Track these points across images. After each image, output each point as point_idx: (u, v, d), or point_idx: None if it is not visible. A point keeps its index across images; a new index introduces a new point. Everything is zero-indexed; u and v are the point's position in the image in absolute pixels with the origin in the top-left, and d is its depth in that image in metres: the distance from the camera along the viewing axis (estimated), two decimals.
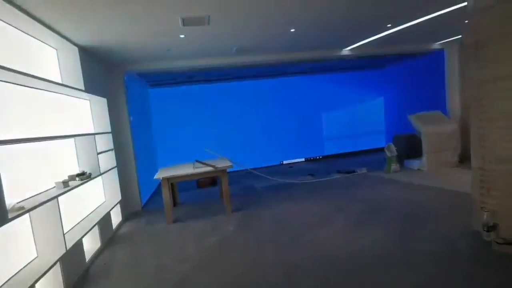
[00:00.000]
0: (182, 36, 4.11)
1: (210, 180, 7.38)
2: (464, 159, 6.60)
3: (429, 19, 4.51)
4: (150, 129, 8.04)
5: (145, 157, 6.88)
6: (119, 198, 5.11)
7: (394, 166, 6.55)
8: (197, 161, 5.60)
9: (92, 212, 4.36)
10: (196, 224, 4.62)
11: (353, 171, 7.03)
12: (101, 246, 3.98)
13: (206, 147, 5.77)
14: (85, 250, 3.63)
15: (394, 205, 4.47)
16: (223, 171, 4.83)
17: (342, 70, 9.35)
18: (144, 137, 7.05)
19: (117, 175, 5.12)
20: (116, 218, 5.04)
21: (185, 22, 3.44)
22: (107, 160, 5.07)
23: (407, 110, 7.78)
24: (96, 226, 3.95)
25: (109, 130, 5.04)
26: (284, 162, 9.34)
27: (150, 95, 8.24)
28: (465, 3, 3.60)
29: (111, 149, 5.05)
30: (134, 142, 5.81)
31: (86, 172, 3.94)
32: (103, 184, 5.07)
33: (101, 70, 5.03)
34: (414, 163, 6.67)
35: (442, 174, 6.00)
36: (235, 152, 8.81)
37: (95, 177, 4.12)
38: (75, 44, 4.06)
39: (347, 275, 2.75)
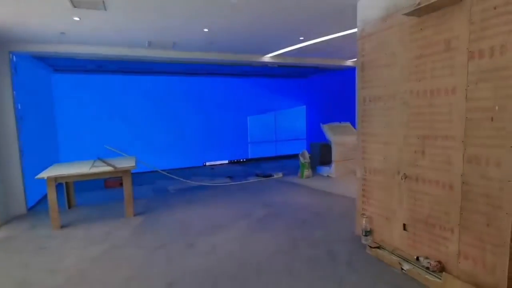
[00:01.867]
0: (76, 18, 3.66)
1: (120, 180, 6.81)
2: None
3: (335, 37, 4.85)
4: (51, 120, 7.06)
5: (40, 152, 6.01)
6: None
7: (307, 172, 6.91)
8: (99, 159, 5.10)
9: None
10: (88, 229, 4.15)
11: (270, 175, 7.21)
12: None
13: (106, 144, 5.28)
14: None
15: (296, 210, 4.67)
16: (126, 171, 4.45)
17: (269, 75, 9.59)
18: (39, 129, 6.15)
19: None
20: None
21: (75, 2, 3.05)
22: None
23: (325, 119, 8.33)
24: None
25: None
26: (207, 163, 9.17)
27: (54, 81, 7.27)
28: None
29: None
30: (21, 134, 5.01)
31: None
32: None
33: None
34: (325, 170, 7.14)
35: (346, 181, 6.52)
36: (154, 150, 8.36)
37: None
38: None
39: (229, 283, 2.72)
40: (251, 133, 9.78)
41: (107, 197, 5.86)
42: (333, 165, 6.91)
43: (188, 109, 8.79)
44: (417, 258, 2.72)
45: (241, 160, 9.64)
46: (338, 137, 6.94)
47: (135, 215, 4.65)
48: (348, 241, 3.49)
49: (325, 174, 7.07)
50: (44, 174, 4.09)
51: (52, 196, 4.10)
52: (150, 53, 5.46)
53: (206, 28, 4.23)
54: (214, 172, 8.26)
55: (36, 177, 4.07)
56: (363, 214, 3.43)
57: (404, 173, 2.85)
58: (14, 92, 4.90)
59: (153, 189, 6.37)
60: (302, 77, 10.15)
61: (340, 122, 7.46)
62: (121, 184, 6.85)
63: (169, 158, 8.56)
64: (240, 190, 6.01)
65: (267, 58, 6.46)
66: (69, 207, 5.16)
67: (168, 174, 5.85)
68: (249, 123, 9.74)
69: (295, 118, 10.43)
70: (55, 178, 4.11)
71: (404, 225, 2.91)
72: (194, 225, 4.20)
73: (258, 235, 3.78)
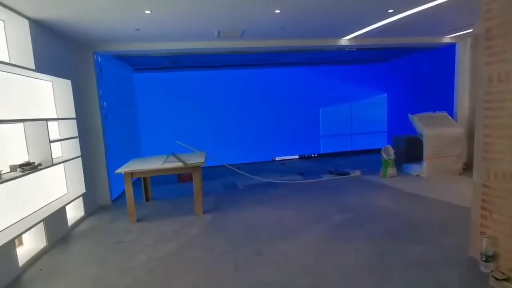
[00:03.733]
0: (148, 12, 3.58)
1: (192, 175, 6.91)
2: (469, 167, 6.00)
3: (437, 5, 3.88)
4: (134, 117, 7.56)
5: (124, 146, 6.43)
6: (83, 190, 4.69)
7: (391, 170, 5.98)
8: (172, 154, 5.15)
9: (44, 206, 3.92)
10: (160, 225, 4.16)
11: (346, 173, 6.48)
12: (46, 246, 3.55)
13: (178, 140, 5.27)
14: (23, 251, 3.23)
15: (382, 217, 3.94)
16: (195, 168, 4.34)
17: (343, 62, 8.69)
18: (123, 125, 6.58)
19: (81, 165, 4.69)
20: (77, 212, 4.64)
21: None
22: (71, 148, 4.65)
23: (411, 109, 7.16)
24: (42, 223, 3.52)
25: (73, 115, 4.59)
26: (277, 158, 8.82)
27: (135, 80, 7.75)
28: None
29: (75, 137, 4.60)
30: (107, 129, 5.35)
31: (33, 163, 3.49)
32: (65, 174, 4.66)
33: (65, 49, 4.53)
34: (413, 168, 6.09)
35: (442, 183, 5.42)
36: (224, 145, 8.35)
37: (45, 168, 3.67)
38: (25, 17, 3.56)
39: None
40: (323, 126, 9.06)
41: (180, 191, 5.94)
42: (424, 162, 5.83)
43: (257, 102, 8.53)
44: None
45: (313, 155, 9.02)
46: (433, 129, 5.81)
47: (204, 212, 4.53)
48: (459, 266, 2.69)
49: (414, 174, 6.02)
50: (122, 169, 4.22)
51: (129, 190, 4.22)
52: (220, 45, 5.27)
53: (278, 9, 3.77)
54: (284, 168, 7.85)
55: (116, 171, 4.22)
56: (483, 232, 2.59)
57: None
58: (100, 91, 5.23)
59: (224, 185, 6.27)
60: (382, 62, 8.95)
61: (434, 112, 6.27)
62: (191, 178, 7.01)
63: (238, 152, 8.47)
64: (312, 189, 5.47)
65: (345, 41, 5.71)
66: (147, 200, 5.35)
67: (238, 171, 5.68)
68: (322, 116, 9.03)
69: (374, 108, 9.31)
70: (131, 173, 4.20)
71: None
72: (263, 228, 3.84)
73: (337, 245, 3.23)
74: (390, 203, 4.48)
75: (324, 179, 6.24)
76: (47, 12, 3.50)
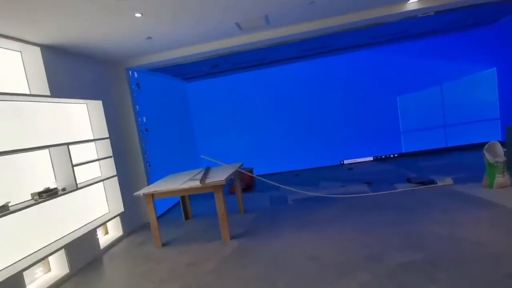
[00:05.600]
0: (138, 15, 3.13)
1: (244, 185, 6.36)
2: None
3: None
4: (188, 128, 7.45)
5: (174, 160, 6.27)
6: (121, 209, 4.63)
7: (501, 178, 4.16)
8: (206, 168, 4.68)
9: (71, 232, 3.89)
10: (181, 252, 3.71)
11: (431, 182, 4.87)
12: (69, 272, 3.46)
13: (202, 154, 4.75)
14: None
15: (471, 265, 2.54)
16: (216, 187, 3.71)
17: (423, 35, 6.74)
18: (173, 138, 6.45)
19: (117, 184, 4.63)
20: (116, 232, 4.59)
21: None
22: (107, 168, 4.63)
23: None
24: (63, 250, 3.45)
25: (106, 135, 4.55)
26: (345, 162, 7.52)
27: (189, 90, 7.65)
28: None
29: (109, 156, 4.56)
30: (147, 146, 5.24)
31: (53, 189, 3.45)
32: (105, 194, 4.68)
33: (92, 70, 4.52)
34: None
35: None
36: (287, 149, 7.56)
37: (68, 192, 3.61)
38: (36, 44, 3.55)
39: None
40: (404, 119, 7.30)
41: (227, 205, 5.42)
42: None
43: (320, 98, 7.43)
44: None
45: (391, 155, 7.38)
46: None
47: (233, 237, 3.87)
48: None
49: None
50: (142, 191, 3.92)
51: (151, 213, 3.89)
52: (246, 39, 4.52)
53: None
54: (351, 173, 6.57)
55: (135, 194, 3.95)
56: None
57: None
58: (137, 106, 5.15)
59: (272, 198, 5.50)
60: (484, 25, 6.63)
61: None
62: (244, 189, 6.45)
63: (303, 156, 7.55)
64: (377, 207, 4.20)
65: (413, 4, 4.21)
66: (186, 218, 5.01)
67: (272, 183, 4.74)
68: (400, 106, 7.29)
69: (478, 88, 7.02)
70: (152, 195, 3.86)
71: None
72: (291, 268, 2.94)
73: None
74: (493, 237, 2.93)
75: (399, 190, 4.81)
76: (54, 37, 3.43)
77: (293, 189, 4.92)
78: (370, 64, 7.20)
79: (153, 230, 3.94)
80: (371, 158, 7.43)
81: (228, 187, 6.36)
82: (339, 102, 7.37)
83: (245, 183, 6.37)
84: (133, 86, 5.17)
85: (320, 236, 3.56)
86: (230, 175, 3.95)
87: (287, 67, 7.32)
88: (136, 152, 5.10)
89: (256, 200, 5.52)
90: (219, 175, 3.96)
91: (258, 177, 5.13)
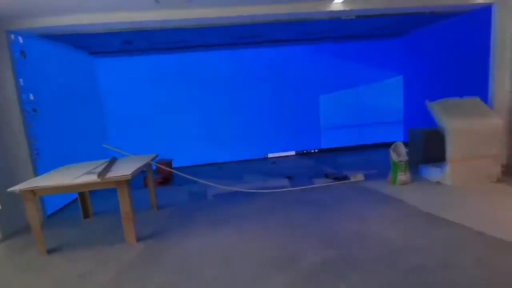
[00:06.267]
0: None
1: (162, 178, 5.81)
2: (509, 171, 4.53)
3: None
4: (92, 112, 6.35)
5: (72, 149, 5.23)
6: None
7: (403, 175, 4.57)
8: (112, 159, 4.02)
9: None
10: (71, 260, 3.07)
11: (345, 178, 5.13)
12: None
13: (105, 143, 4.13)
14: None
15: (379, 260, 2.62)
16: (120, 182, 3.16)
17: (344, 38, 7.11)
18: (71, 122, 5.36)
19: None
20: None
21: None
22: None
23: (433, 94, 5.65)
24: None
25: None
26: (270, 155, 7.54)
27: (98, 67, 6.62)
28: None
29: None
30: (34, 129, 4.27)
31: None
32: None
33: None
34: (433, 172, 4.65)
35: (473, 195, 3.98)
36: (211, 141, 7.18)
37: None
38: None
39: None
40: (325, 117, 7.64)
41: (137, 201, 4.82)
42: (448, 165, 4.39)
43: (243, 89, 7.22)
44: None
45: (312, 151, 7.67)
46: (459, 121, 4.34)
47: (140, 239, 3.39)
48: None
49: (434, 179, 4.60)
50: (19, 186, 3.12)
51: (31, 212, 3.12)
52: (162, 15, 3.98)
53: None
54: (274, 168, 6.58)
55: (8, 190, 3.12)
56: None
57: None
58: (21, 80, 4.14)
59: (190, 193, 5.10)
60: (396, 36, 7.31)
61: (462, 98, 4.75)
62: (162, 183, 5.91)
63: (226, 149, 7.28)
64: (296, 204, 4.19)
65: (338, 4, 4.27)
66: (85, 216, 4.27)
67: (192, 178, 4.36)
68: (322, 104, 7.60)
69: (388, 93, 7.74)
70: (33, 191, 3.09)
71: None
72: (202, 273, 2.65)
73: None
74: (396, 233, 3.12)
75: (316, 185, 4.93)
76: None
77: (212, 184, 4.60)
78: (296, 60, 7.29)
79: (34, 233, 3.18)
80: (293, 153, 7.60)
81: (142, 180, 5.72)
82: (266, 96, 7.30)
83: (162, 175, 5.82)
84: (16, 54, 4.13)
85: (237, 235, 3.35)
86: (139, 168, 3.43)
87: (212, 54, 6.91)
88: (16, 137, 4.09)
89: (173, 194, 5.06)
90: (125, 168, 3.41)
91: (174, 171, 4.66)
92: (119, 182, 3.14)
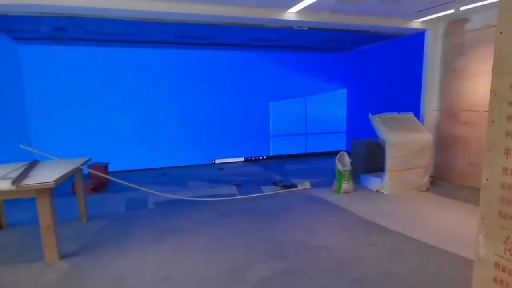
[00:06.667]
0: None
1: (92, 185, 5.18)
2: (436, 180, 5.01)
3: None
4: (10, 106, 5.44)
5: None
6: None
7: (346, 184, 4.74)
8: (33, 161, 3.44)
9: None
10: None
11: (293, 185, 5.16)
12: None
13: (22, 144, 3.57)
14: None
15: (326, 272, 2.61)
16: (40, 191, 2.67)
17: (296, 48, 7.30)
18: None
19: None
20: None
21: None
22: None
23: (373, 107, 6.05)
24: None
25: None
26: (217, 161, 7.32)
27: (22, 55, 5.75)
28: None
29: None
30: None
31: None
32: None
33: None
34: (373, 181, 4.92)
35: (408, 203, 4.29)
36: (153, 144, 6.70)
37: None
38: None
39: None
40: (274, 124, 7.70)
41: (63, 210, 4.20)
42: (386, 175, 4.68)
43: (191, 91, 6.91)
44: None
45: (260, 157, 7.65)
46: (397, 134, 4.66)
47: (64, 256, 2.91)
48: None
49: (374, 188, 4.86)
50: None
51: None
52: (98, 3, 3.57)
53: None
54: (221, 174, 6.39)
55: None
56: None
57: None
58: None
59: (128, 201, 4.64)
60: (342, 50, 7.74)
61: (399, 113, 5.13)
62: (94, 189, 5.30)
63: (170, 153, 6.86)
64: (243, 212, 4.05)
65: (291, 14, 4.30)
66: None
67: (130, 185, 3.94)
68: (272, 111, 7.65)
69: (332, 105, 8.11)
70: None
71: None
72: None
73: None
74: (342, 242, 3.17)
75: (264, 193, 4.86)
76: None
77: (153, 191, 4.22)
78: (247, 66, 7.24)
79: None
80: (242, 159, 7.49)
81: (70, 186, 5.05)
82: (214, 100, 7.08)
83: (96, 181, 5.23)
84: None
85: (179, 249, 3.08)
86: (65, 174, 2.96)
87: (160, 51, 6.50)
88: None
89: (108, 203, 4.55)
90: (47, 174, 2.91)
91: (110, 177, 4.18)
92: (39, 191, 2.65)
